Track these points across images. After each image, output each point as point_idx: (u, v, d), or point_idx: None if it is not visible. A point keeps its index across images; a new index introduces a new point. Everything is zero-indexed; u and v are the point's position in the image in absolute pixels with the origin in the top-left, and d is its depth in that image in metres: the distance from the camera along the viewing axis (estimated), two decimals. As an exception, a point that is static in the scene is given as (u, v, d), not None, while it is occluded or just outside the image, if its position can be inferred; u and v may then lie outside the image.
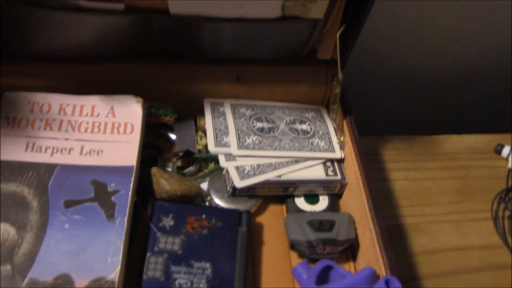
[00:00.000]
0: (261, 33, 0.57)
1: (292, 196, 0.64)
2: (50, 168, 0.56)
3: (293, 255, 0.61)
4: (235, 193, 0.61)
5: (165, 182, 0.59)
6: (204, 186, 0.64)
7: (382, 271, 0.53)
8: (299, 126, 0.66)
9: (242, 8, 0.51)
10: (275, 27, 0.56)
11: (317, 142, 0.65)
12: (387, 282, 0.50)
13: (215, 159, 0.64)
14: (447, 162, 0.76)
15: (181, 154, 0.65)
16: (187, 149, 0.64)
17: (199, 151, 0.65)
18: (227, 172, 0.61)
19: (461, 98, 1.00)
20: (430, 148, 0.78)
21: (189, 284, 0.53)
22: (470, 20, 0.87)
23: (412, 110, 1.01)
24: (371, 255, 0.56)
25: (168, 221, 0.57)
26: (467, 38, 0.90)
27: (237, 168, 0.61)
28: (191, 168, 0.66)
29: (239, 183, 0.60)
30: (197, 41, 0.58)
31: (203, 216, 0.58)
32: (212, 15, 0.53)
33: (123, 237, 0.52)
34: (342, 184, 0.64)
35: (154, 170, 0.60)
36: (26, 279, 0.49)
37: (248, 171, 0.61)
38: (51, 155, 0.57)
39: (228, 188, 0.61)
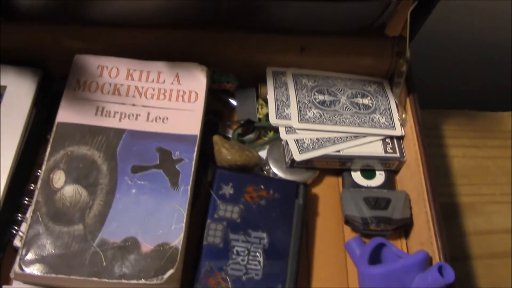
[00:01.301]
0: (330, 10, 0.56)
1: (349, 170, 0.65)
2: (118, 133, 0.58)
3: (347, 229, 0.62)
4: (293, 165, 0.62)
5: (226, 151, 0.60)
6: (263, 154, 0.65)
7: (435, 255, 0.54)
8: (360, 101, 0.66)
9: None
10: (344, 6, 0.54)
11: (378, 118, 0.65)
12: (440, 268, 0.51)
13: (274, 127, 0.65)
14: (509, 141, 0.75)
15: (242, 122, 0.66)
16: (248, 118, 0.65)
17: (259, 119, 0.66)
18: (287, 144, 0.62)
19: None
20: (492, 125, 0.76)
21: (246, 252, 0.56)
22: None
23: (476, 84, 0.97)
24: (425, 237, 0.57)
25: (228, 190, 0.59)
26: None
27: (297, 141, 0.62)
28: (251, 136, 0.67)
29: (298, 157, 0.61)
30: (264, 17, 0.57)
31: (262, 186, 0.59)
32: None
33: (187, 206, 0.54)
34: (401, 162, 0.64)
35: (216, 138, 0.62)
36: (97, 240, 0.52)
37: (307, 144, 0.62)
38: (119, 120, 0.59)
39: (287, 160, 0.62)
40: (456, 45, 0.91)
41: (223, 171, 0.60)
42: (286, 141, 0.62)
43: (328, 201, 0.64)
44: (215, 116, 0.68)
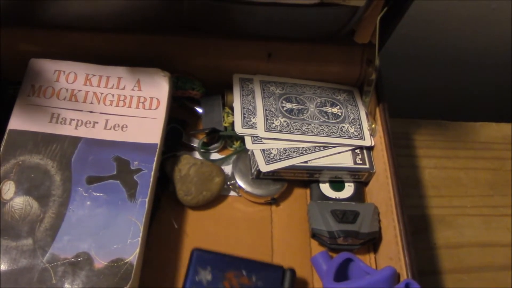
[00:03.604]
0: (296, 17, 0.54)
1: (317, 181, 0.62)
2: (74, 141, 0.55)
3: (314, 243, 0.60)
4: (260, 177, 0.60)
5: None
6: (228, 168, 0.63)
7: (403, 271, 0.52)
8: (329, 109, 0.64)
9: (279, -6, 0.48)
10: (311, 12, 0.52)
11: (347, 128, 0.63)
12: (407, 286, 0.49)
13: (241, 137, 0.62)
14: (482, 152, 0.73)
15: (207, 131, 0.63)
16: (213, 127, 0.63)
17: (225, 128, 0.64)
18: (253, 154, 0.60)
19: (503, 82, 0.95)
20: (464, 135, 0.75)
21: None
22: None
23: (448, 93, 0.96)
24: (393, 252, 0.55)
25: (205, 275, 0.53)
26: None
27: (263, 151, 0.59)
28: (216, 145, 0.64)
29: (265, 168, 0.58)
30: (228, 21, 0.55)
31: (243, 272, 0.53)
32: (247, -1, 0.50)
33: (144, 219, 0.52)
34: (370, 173, 0.62)
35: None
36: (47, 255, 0.49)
37: (274, 155, 0.59)
38: (75, 128, 0.56)
39: (253, 171, 0.60)
40: (427, 53, 0.90)
41: (201, 254, 0.54)
42: (252, 151, 0.60)
43: (295, 213, 0.62)
44: (179, 124, 0.65)
